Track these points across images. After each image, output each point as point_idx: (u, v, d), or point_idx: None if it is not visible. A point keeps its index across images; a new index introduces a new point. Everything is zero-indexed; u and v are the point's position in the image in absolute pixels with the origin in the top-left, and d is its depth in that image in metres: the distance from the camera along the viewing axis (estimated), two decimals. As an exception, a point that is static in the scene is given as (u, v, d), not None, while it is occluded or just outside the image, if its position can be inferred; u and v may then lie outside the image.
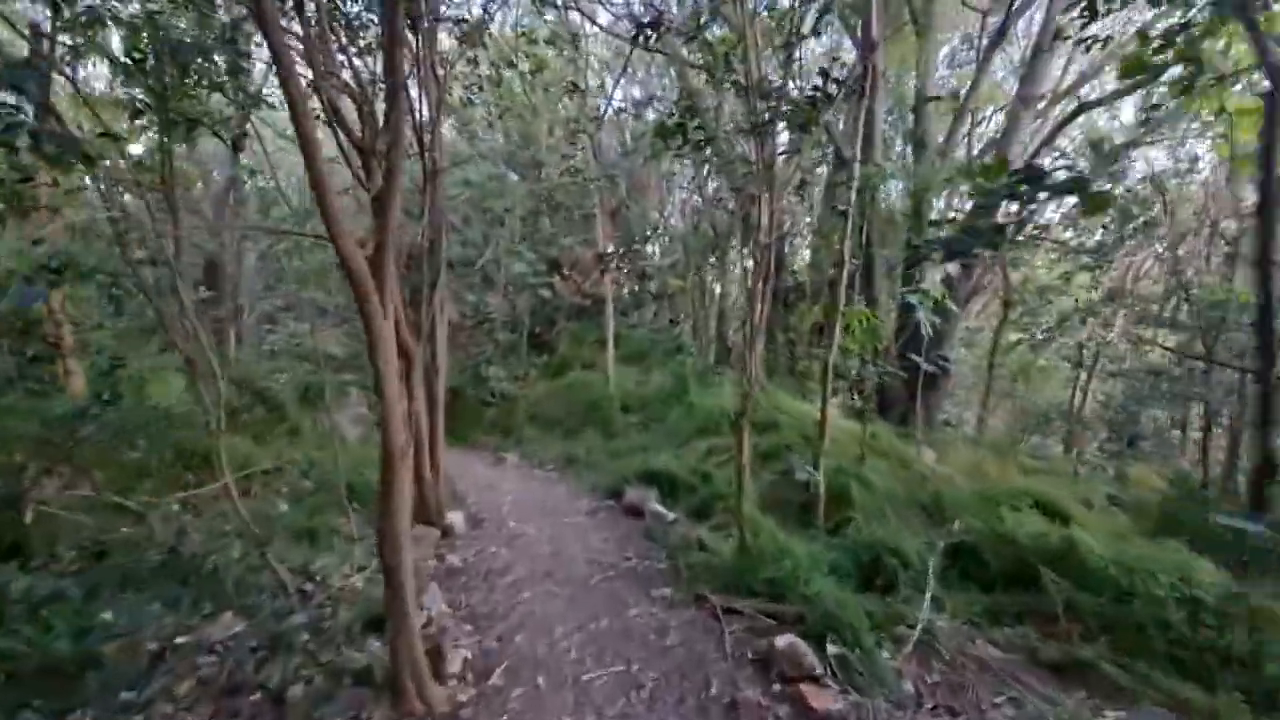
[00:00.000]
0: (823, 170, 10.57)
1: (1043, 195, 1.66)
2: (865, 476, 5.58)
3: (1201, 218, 9.62)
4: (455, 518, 6.01)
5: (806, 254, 12.15)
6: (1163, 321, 8.82)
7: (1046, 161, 10.88)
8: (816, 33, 3.76)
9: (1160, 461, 9.36)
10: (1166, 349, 8.22)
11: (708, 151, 4.26)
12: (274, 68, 2.52)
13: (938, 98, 5.43)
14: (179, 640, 3.94)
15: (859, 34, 4.96)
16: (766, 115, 3.85)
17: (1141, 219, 9.59)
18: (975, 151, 10.02)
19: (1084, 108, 8.43)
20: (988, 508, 5.05)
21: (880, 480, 5.66)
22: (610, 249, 9.37)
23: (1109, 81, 11.85)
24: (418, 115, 5.41)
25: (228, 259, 12.54)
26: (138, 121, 5.06)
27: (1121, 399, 9.55)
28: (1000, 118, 13.28)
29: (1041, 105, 9.59)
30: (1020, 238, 11.06)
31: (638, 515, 6.26)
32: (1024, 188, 1.64)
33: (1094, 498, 6.57)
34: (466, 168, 10.64)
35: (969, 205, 13.84)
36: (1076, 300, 9.82)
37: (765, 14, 4.80)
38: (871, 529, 4.96)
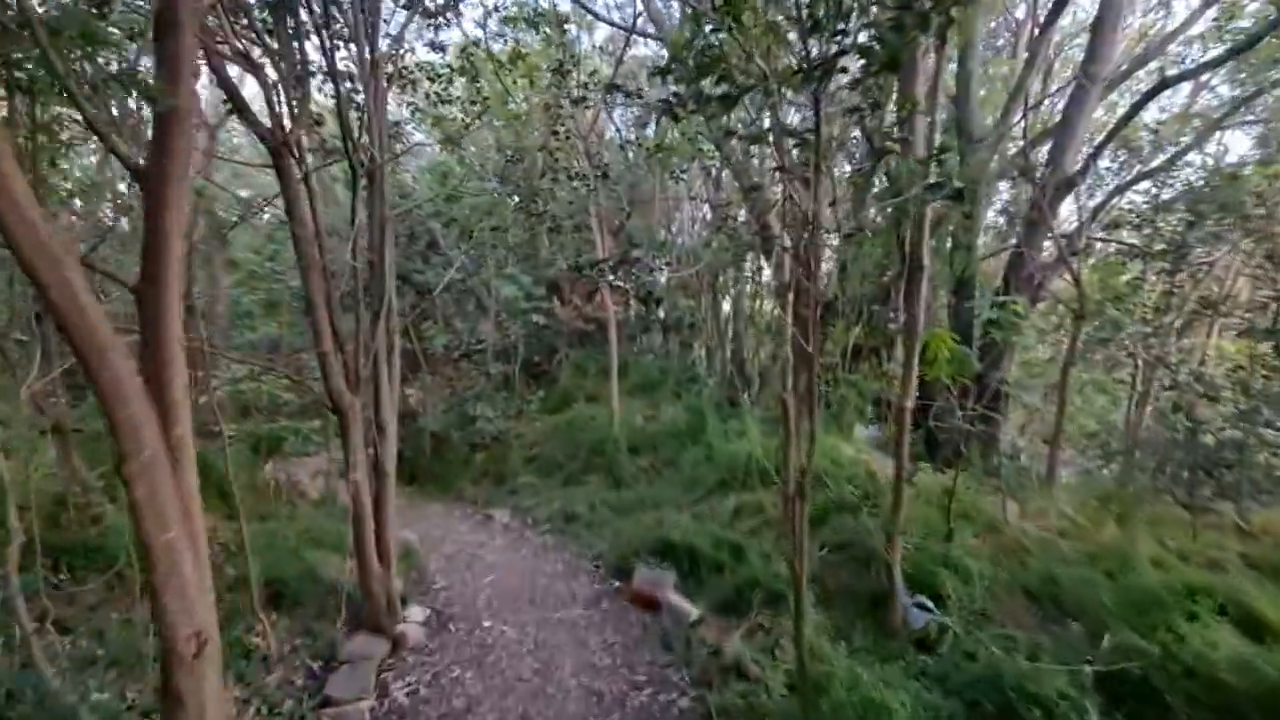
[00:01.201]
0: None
1: None
2: (956, 560, 4.14)
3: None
4: (413, 618, 4.63)
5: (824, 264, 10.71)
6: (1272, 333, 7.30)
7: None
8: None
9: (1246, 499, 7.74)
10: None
11: (730, 119, 2.92)
12: None
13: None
14: None
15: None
16: (829, 51, 2.52)
17: (1227, 216, 8.16)
18: (1028, 141, 8.63)
19: (1166, 84, 7.07)
20: (1144, 610, 3.61)
21: (973, 561, 4.22)
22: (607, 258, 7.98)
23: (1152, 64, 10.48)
24: (344, 94, 4.12)
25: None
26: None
27: (1199, 421, 7.94)
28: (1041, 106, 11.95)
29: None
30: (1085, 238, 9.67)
31: (650, 606, 4.84)
32: None
33: (1225, 559, 5.11)
34: (449, 180, 9.40)
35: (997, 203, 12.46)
36: (1157, 308, 8.36)
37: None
38: (978, 643, 3.54)
